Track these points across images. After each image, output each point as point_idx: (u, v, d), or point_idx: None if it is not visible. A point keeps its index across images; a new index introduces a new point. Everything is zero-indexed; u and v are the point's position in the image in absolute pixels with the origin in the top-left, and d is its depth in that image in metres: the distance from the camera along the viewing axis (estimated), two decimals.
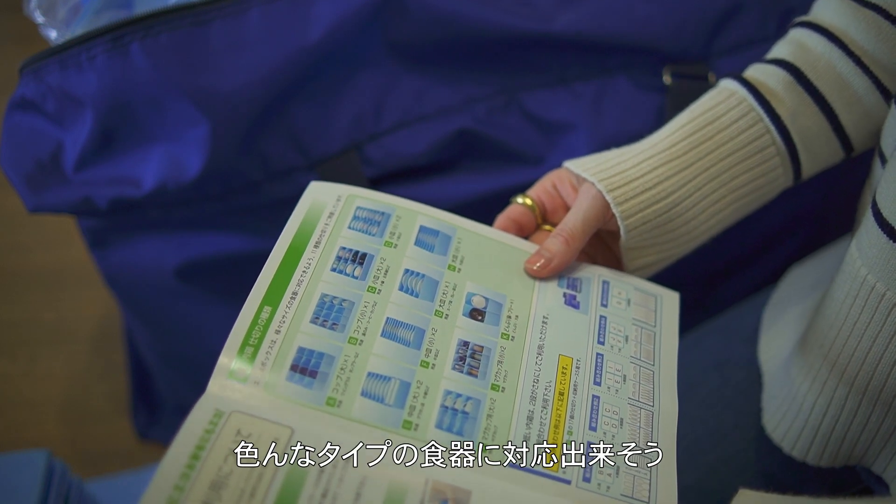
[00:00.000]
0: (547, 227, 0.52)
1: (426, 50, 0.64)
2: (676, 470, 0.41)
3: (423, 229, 0.48)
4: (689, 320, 0.70)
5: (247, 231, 0.68)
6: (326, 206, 0.47)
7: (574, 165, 0.50)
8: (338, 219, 0.46)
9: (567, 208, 0.51)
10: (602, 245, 0.53)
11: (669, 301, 0.49)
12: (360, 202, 0.48)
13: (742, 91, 0.50)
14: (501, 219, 0.51)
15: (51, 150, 0.62)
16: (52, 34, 0.65)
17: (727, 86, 0.51)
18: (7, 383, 1.03)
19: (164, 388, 0.94)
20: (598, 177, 0.48)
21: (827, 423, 0.48)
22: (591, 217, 0.48)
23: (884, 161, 0.47)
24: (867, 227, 0.43)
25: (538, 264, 0.48)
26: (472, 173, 0.67)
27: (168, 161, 0.62)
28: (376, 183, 0.66)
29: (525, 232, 0.52)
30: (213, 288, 0.73)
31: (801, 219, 0.78)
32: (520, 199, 0.52)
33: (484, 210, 0.54)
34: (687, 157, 0.49)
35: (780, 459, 0.52)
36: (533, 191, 0.53)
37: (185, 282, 0.71)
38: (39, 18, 0.65)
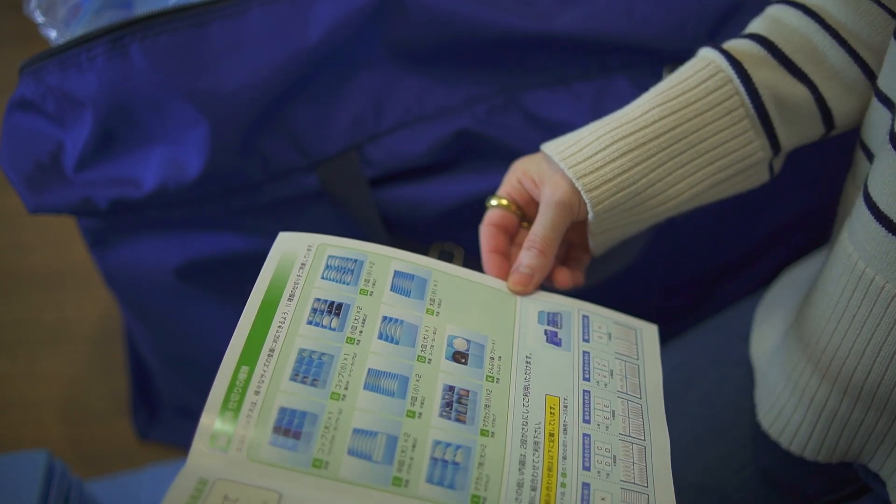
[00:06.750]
0: (526, 224, 0.53)
1: (426, 50, 0.64)
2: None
3: (397, 274, 0.47)
4: (687, 323, 0.71)
5: (247, 231, 0.68)
6: (297, 256, 0.46)
7: (549, 148, 0.50)
8: (310, 269, 0.45)
9: (536, 203, 0.51)
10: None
11: (649, 333, 0.49)
12: (332, 251, 0.47)
13: (717, 57, 0.49)
14: (485, 228, 0.51)
15: (51, 151, 0.62)
16: (52, 34, 0.65)
17: (703, 54, 0.50)
18: (7, 383, 1.03)
19: (164, 388, 0.94)
20: (567, 163, 0.48)
21: (825, 416, 0.48)
22: (559, 222, 0.49)
23: (867, 152, 0.47)
24: (862, 221, 0.43)
25: (521, 283, 0.48)
26: (472, 173, 0.67)
27: (168, 162, 0.62)
28: (376, 183, 0.66)
29: (511, 233, 0.52)
30: (214, 288, 0.73)
31: (798, 222, 0.78)
32: (494, 202, 0.52)
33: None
34: (658, 125, 0.48)
35: (778, 456, 0.52)
36: (503, 189, 0.52)
37: (186, 282, 0.71)
38: (39, 18, 0.65)
